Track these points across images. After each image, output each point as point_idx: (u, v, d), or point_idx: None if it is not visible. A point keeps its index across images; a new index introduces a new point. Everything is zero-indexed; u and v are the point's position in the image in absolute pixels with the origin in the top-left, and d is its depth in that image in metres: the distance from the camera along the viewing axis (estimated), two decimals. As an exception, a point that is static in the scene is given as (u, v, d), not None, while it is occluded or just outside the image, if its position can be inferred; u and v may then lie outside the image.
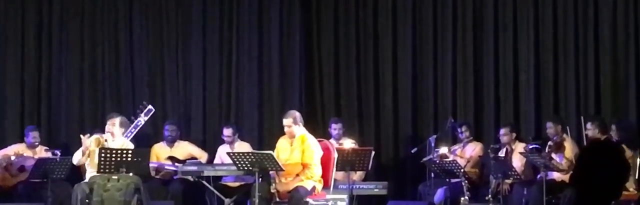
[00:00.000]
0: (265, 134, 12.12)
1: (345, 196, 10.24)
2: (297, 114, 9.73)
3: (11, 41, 12.53)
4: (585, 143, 10.43)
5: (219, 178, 11.18)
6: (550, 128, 10.77)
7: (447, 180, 10.70)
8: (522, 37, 11.84)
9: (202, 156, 11.69)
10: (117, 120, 9.94)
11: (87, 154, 9.81)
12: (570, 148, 10.52)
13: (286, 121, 9.69)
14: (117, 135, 9.90)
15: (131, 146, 9.89)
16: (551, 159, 10.41)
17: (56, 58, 12.56)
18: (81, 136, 9.91)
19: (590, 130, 10.37)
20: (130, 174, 9.52)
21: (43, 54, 12.56)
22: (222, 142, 11.70)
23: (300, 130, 9.66)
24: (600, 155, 3.81)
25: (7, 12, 12.56)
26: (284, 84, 12.39)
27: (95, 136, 9.91)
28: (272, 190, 9.47)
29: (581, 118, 10.67)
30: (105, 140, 9.82)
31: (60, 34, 12.58)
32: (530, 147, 10.66)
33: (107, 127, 9.94)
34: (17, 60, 12.51)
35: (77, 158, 9.94)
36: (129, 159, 9.43)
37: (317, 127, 11.54)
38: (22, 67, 12.52)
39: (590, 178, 3.78)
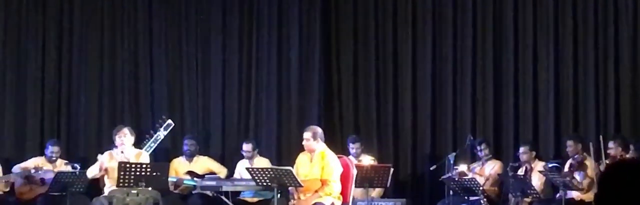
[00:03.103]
0: (284, 150, 12.12)
1: (363, 213, 10.23)
2: (319, 130, 9.70)
3: (31, 55, 12.57)
4: (605, 162, 10.39)
5: (238, 193, 11.18)
6: (570, 146, 10.74)
7: (466, 198, 10.67)
8: (542, 55, 11.82)
9: (221, 171, 11.69)
10: (126, 131, 9.99)
11: (103, 170, 9.88)
12: (591, 167, 10.48)
13: (305, 134, 9.67)
14: (128, 145, 9.95)
15: (146, 154, 9.92)
16: (573, 177, 10.37)
17: (76, 72, 12.61)
18: (98, 155, 10.01)
19: (613, 149, 10.34)
20: (150, 189, 9.54)
21: (63, 68, 12.61)
22: (241, 157, 11.70)
23: (319, 147, 9.64)
24: (624, 174, 3.78)
25: (28, 25, 12.61)
26: (303, 100, 12.40)
27: (107, 152, 9.98)
28: (291, 207, 9.46)
29: (600, 137, 10.63)
30: (122, 152, 9.85)
31: (80, 48, 12.63)
32: (550, 165, 10.64)
33: (118, 140, 9.97)
34: (37, 74, 12.55)
35: (91, 172, 10.01)
36: (148, 173, 9.45)
37: (336, 143, 11.52)
38: (42, 80, 12.56)
39: (615, 198, 3.74)
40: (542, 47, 11.83)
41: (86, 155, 12.11)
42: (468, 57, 12.07)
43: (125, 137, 9.96)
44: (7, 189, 11.27)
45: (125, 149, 9.90)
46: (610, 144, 10.41)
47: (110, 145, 10.69)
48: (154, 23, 12.68)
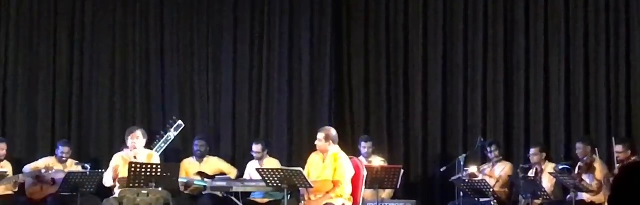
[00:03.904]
0: (295, 151, 12.12)
1: (373, 214, 10.23)
2: (332, 133, 9.66)
3: (43, 56, 12.61)
4: (615, 164, 10.38)
5: (248, 194, 11.18)
6: (580, 149, 10.73)
7: (476, 199, 10.65)
8: (553, 58, 11.81)
9: (232, 172, 11.71)
10: (139, 133, 9.98)
11: (117, 174, 9.87)
12: (600, 169, 10.47)
13: (319, 135, 9.67)
14: (141, 146, 9.95)
15: (157, 156, 9.92)
16: (582, 180, 10.35)
17: (87, 73, 12.64)
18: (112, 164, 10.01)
19: (622, 153, 10.33)
20: (160, 189, 9.55)
21: (74, 70, 12.64)
22: (252, 158, 11.71)
23: (333, 148, 9.63)
24: (636, 176, 3.78)
25: (39, 28, 12.64)
26: (314, 101, 12.40)
27: (121, 154, 9.96)
28: (301, 208, 9.47)
29: (613, 139, 10.61)
30: (134, 157, 9.84)
31: (92, 50, 12.66)
32: (560, 167, 10.62)
33: (130, 142, 9.97)
34: (49, 76, 12.59)
35: (107, 180, 9.99)
36: (159, 173, 9.46)
37: (346, 144, 11.50)
38: (54, 82, 12.59)
39: (629, 200, 3.75)
40: (553, 49, 11.81)
41: (97, 156, 12.14)
42: (479, 59, 12.06)
43: (137, 140, 9.96)
44: (16, 189, 11.30)
45: (138, 153, 9.89)
46: (618, 148, 10.41)
47: (122, 146, 10.71)
48: (165, 24, 12.70)
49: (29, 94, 12.56)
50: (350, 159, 9.75)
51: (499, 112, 11.98)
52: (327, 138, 9.60)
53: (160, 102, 12.60)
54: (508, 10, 12.03)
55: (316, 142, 9.66)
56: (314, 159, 9.75)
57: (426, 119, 12.18)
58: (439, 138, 12.13)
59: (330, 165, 9.52)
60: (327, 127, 9.91)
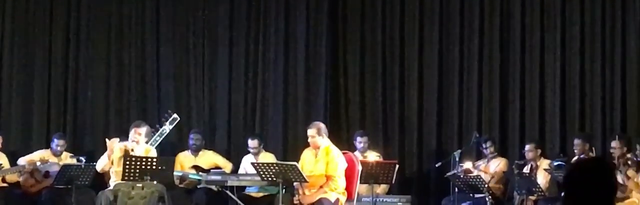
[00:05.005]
0: (290, 145, 12.11)
1: (368, 209, 10.23)
2: (322, 126, 9.72)
3: (39, 49, 12.58)
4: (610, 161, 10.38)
5: (243, 188, 11.19)
6: (578, 145, 10.72)
7: (471, 195, 10.67)
8: (549, 54, 11.82)
9: (227, 166, 11.70)
10: (143, 130, 9.97)
11: (110, 161, 9.84)
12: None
13: (310, 131, 9.68)
14: (141, 143, 9.95)
15: (154, 151, 9.92)
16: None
17: (83, 66, 12.61)
18: (106, 140, 9.97)
19: (617, 148, 10.33)
20: (155, 182, 9.56)
21: (70, 63, 12.60)
22: (247, 152, 11.70)
23: (324, 142, 9.64)
24: (587, 173, 3.82)
25: (35, 20, 12.61)
26: (309, 96, 12.40)
27: (120, 144, 9.93)
28: (295, 202, 9.47)
29: (616, 136, 10.60)
30: (132, 150, 9.83)
31: (87, 43, 12.63)
32: (555, 163, 10.63)
33: (132, 136, 9.96)
34: (44, 68, 12.55)
35: (101, 165, 9.97)
36: (154, 167, 9.46)
37: (342, 139, 11.53)
38: (49, 74, 12.56)
39: (581, 196, 3.79)
40: (548, 45, 11.82)
41: (92, 149, 12.12)
42: (474, 54, 12.06)
43: (140, 136, 9.95)
44: (21, 179, 11.27)
45: (135, 146, 9.89)
46: (614, 144, 10.41)
47: (120, 137, 10.69)
48: (161, 18, 12.67)
49: (24, 87, 12.53)
50: (345, 153, 9.76)
51: (495, 108, 11.98)
52: (319, 132, 9.63)
53: (155, 96, 12.58)
54: (504, 6, 12.03)
55: (310, 139, 9.67)
56: (306, 154, 9.78)
57: (421, 115, 12.18)
58: (434, 134, 12.13)
59: (323, 159, 9.54)
60: (315, 122, 9.95)
